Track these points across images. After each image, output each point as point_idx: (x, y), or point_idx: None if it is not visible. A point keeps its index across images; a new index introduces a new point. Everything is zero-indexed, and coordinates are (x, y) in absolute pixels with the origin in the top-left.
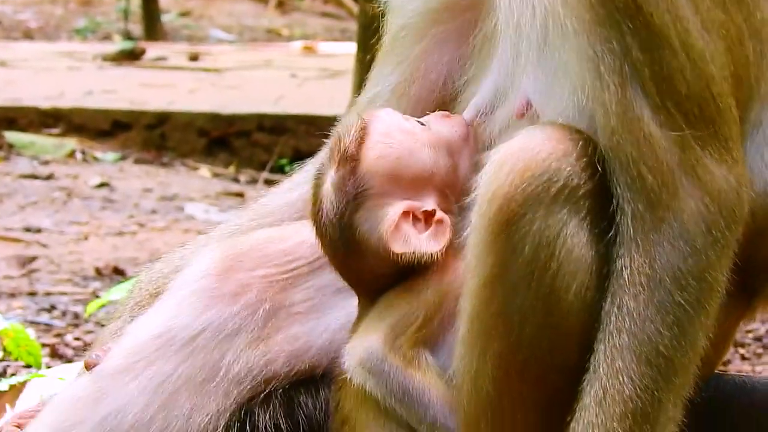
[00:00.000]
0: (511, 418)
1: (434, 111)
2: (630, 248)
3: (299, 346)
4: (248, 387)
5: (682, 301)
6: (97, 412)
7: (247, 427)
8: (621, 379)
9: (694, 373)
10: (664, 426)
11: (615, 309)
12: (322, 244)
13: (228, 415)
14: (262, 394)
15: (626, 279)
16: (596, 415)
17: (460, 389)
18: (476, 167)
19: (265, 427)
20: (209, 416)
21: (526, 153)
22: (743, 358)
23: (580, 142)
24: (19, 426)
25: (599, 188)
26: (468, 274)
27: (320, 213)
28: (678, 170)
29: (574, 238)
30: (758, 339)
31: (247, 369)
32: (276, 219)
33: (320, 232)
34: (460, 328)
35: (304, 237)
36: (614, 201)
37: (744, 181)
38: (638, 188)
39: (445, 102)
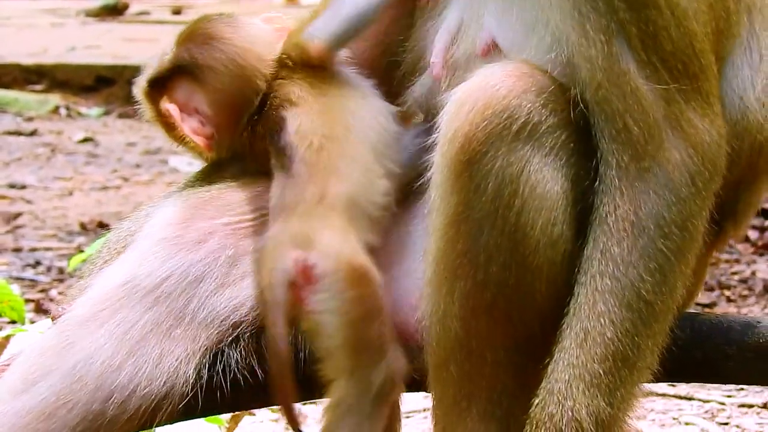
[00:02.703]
0: (480, 358)
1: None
2: (614, 196)
3: None
4: (216, 332)
5: (665, 249)
6: (66, 360)
7: (218, 367)
8: (602, 321)
9: (670, 321)
10: (641, 372)
11: (598, 254)
12: None
13: (198, 358)
14: (230, 338)
15: (610, 225)
16: (577, 356)
17: (428, 330)
18: (438, 107)
19: (237, 366)
20: (178, 360)
21: (485, 91)
22: (729, 300)
23: (539, 78)
24: None
25: (561, 123)
26: (432, 214)
27: None
28: (663, 123)
29: (538, 174)
30: (744, 281)
31: (213, 314)
32: (238, 170)
33: None
34: (426, 269)
35: (266, 186)
36: (598, 153)
37: (723, 133)
38: (624, 140)
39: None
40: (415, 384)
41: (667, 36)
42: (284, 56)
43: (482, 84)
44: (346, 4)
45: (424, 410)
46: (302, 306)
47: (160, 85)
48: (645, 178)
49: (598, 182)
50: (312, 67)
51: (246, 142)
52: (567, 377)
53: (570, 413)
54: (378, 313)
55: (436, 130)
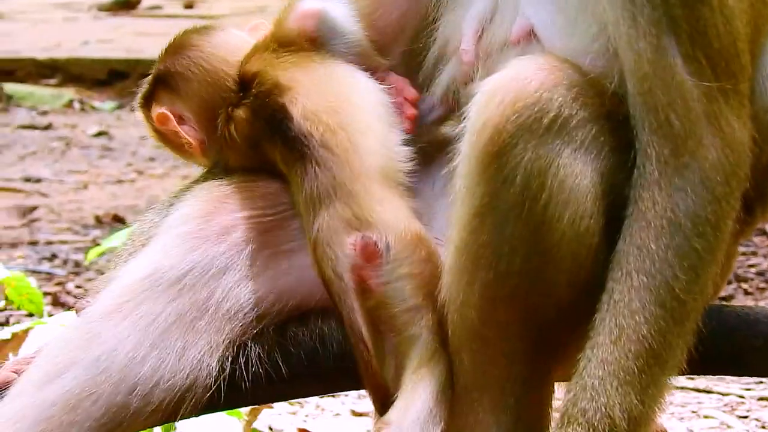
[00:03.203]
0: (496, 348)
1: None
2: (653, 191)
3: (290, 281)
4: (239, 324)
5: (699, 247)
6: (90, 353)
7: (240, 360)
8: (637, 319)
9: (698, 320)
10: (671, 369)
11: (635, 249)
12: None
13: (221, 350)
14: (254, 330)
15: (649, 221)
16: (611, 353)
17: (446, 318)
18: (466, 97)
19: (259, 359)
20: (202, 352)
21: (517, 83)
22: (746, 293)
23: (571, 72)
24: (16, 372)
25: (591, 118)
26: (457, 203)
27: None
28: (703, 119)
29: (567, 168)
30: (761, 274)
31: (237, 306)
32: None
33: None
34: (447, 258)
35: (286, 180)
36: (636, 144)
37: (751, 136)
38: (665, 133)
39: (429, 20)
40: None
41: (716, 33)
42: (265, 42)
43: (514, 76)
44: None
45: None
46: (369, 284)
47: (150, 99)
48: (683, 174)
49: (636, 175)
50: (293, 47)
51: (230, 138)
52: (600, 374)
53: (603, 409)
54: (441, 268)
55: (463, 119)
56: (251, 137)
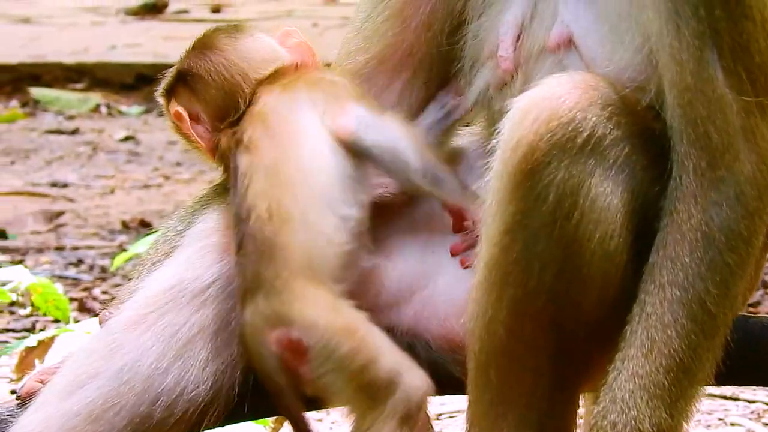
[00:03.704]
0: (522, 363)
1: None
2: (689, 204)
3: None
4: None
5: (731, 262)
6: (113, 363)
7: None
8: (668, 332)
9: (727, 333)
10: (700, 382)
11: (668, 262)
12: None
13: (245, 361)
14: None
15: (684, 234)
16: (642, 366)
17: (472, 334)
18: (500, 113)
19: None
20: (225, 363)
21: (552, 101)
22: None
23: (605, 91)
24: (41, 381)
25: (624, 137)
26: (488, 220)
27: None
28: (741, 134)
29: (599, 187)
30: None
31: None
32: None
33: None
34: (477, 273)
35: None
36: (673, 156)
37: None
38: (703, 146)
39: (460, 19)
40: (460, 385)
41: (757, 48)
42: (287, 75)
43: (548, 94)
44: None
45: None
46: (301, 376)
47: (171, 92)
48: (719, 188)
49: (672, 187)
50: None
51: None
52: (631, 387)
53: (633, 423)
54: (376, 352)
55: (496, 135)
56: (227, 167)
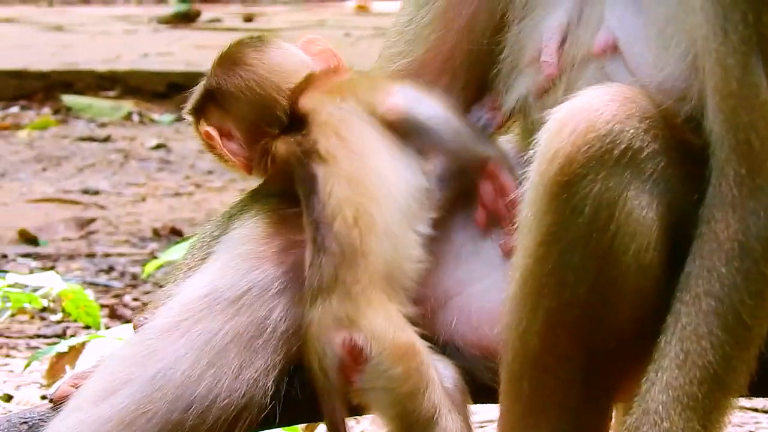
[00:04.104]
0: (555, 375)
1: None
2: (727, 212)
3: None
4: (298, 344)
5: (766, 272)
6: (146, 370)
7: (296, 383)
8: (703, 344)
9: (762, 345)
10: (733, 395)
11: (704, 272)
12: None
13: (278, 369)
14: None
15: (721, 244)
16: (675, 377)
17: (506, 344)
18: (538, 124)
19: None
20: (258, 371)
21: (589, 114)
22: None
23: (643, 103)
24: (74, 386)
25: (661, 150)
26: (523, 231)
27: None
28: None
29: (635, 200)
30: None
31: (295, 326)
32: None
33: None
34: (512, 284)
35: None
36: (712, 162)
37: None
38: (743, 153)
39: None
40: (492, 394)
41: None
42: (328, 80)
43: (586, 106)
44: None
45: None
46: (353, 384)
47: (200, 111)
48: (758, 197)
49: (711, 194)
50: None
51: (268, 166)
52: (664, 398)
53: None
54: (426, 384)
55: (532, 145)
56: (285, 174)
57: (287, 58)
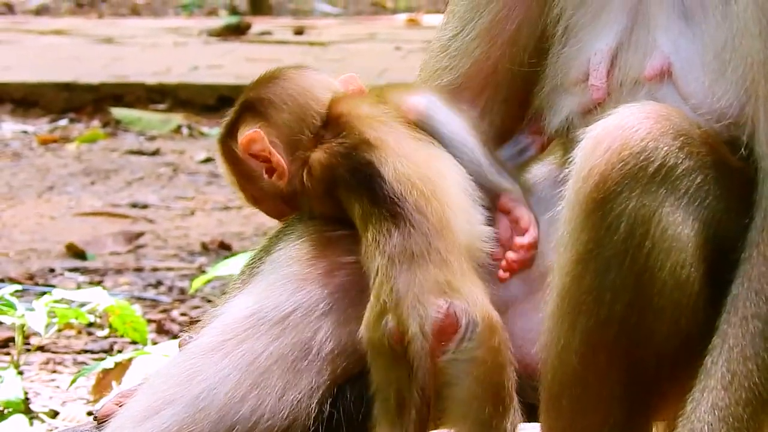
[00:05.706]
0: (595, 393)
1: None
2: None
3: None
4: (342, 365)
5: None
6: (190, 390)
7: (339, 404)
8: (749, 366)
9: None
10: None
11: (753, 294)
12: None
13: (321, 391)
14: (354, 372)
15: None
16: (722, 398)
17: (545, 363)
18: (574, 142)
19: (355, 402)
20: (302, 393)
21: (624, 131)
22: None
23: (677, 121)
24: (119, 404)
25: (696, 167)
26: (560, 249)
27: None
28: None
29: (670, 217)
30: None
31: (340, 347)
32: None
33: None
34: (549, 302)
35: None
36: (762, 187)
37: None
38: None
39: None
40: (533, 412)
41: None
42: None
43: (620, 124)
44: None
45: None
46: (444, 353)
47: (234, 131)
48: None
49: (760, 218)
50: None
51: (306, 179)
52: (710, 419)
53: None
54: (508, 365)
55: (569, 164)
56: (327, 182)
57: (324, 80)
